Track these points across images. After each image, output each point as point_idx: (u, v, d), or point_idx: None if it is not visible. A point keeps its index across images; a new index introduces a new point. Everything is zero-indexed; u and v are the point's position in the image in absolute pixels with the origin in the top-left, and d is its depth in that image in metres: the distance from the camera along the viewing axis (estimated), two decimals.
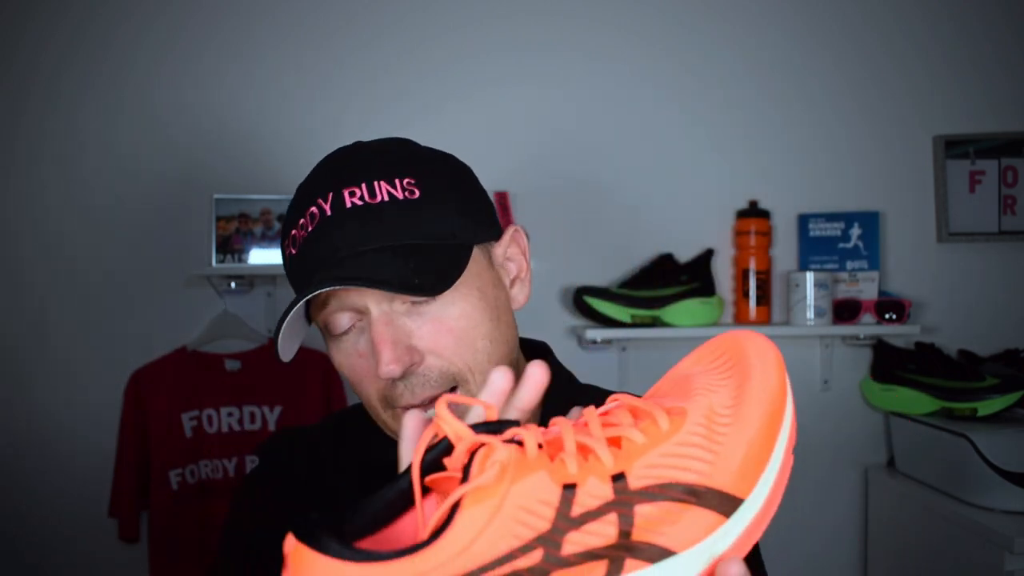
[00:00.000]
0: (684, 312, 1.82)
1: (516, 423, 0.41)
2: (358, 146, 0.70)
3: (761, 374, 0.45)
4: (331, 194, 0.64)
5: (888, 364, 1.87)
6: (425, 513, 0.42)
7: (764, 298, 1.91)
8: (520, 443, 0.40)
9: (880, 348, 1.90)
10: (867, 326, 1.87)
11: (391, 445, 0.69)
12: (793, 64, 1.98)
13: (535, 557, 0.37)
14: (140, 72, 1.85)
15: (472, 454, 0.39)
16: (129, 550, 1.77)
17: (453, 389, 0.65)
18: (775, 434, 0.43)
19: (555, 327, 1.90)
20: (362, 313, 0.64)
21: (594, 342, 1.83)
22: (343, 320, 0.65)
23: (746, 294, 1.91)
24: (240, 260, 1.80)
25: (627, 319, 1.80)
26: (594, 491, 0.39)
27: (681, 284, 1.83)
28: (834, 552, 1.95)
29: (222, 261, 1.79)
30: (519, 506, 0.37)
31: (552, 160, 1.90)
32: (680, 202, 1.95)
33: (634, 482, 0.40)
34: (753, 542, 0.41)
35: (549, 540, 0.37)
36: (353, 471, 0.72)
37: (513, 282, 0.73)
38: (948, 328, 1.95)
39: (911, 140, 1.99)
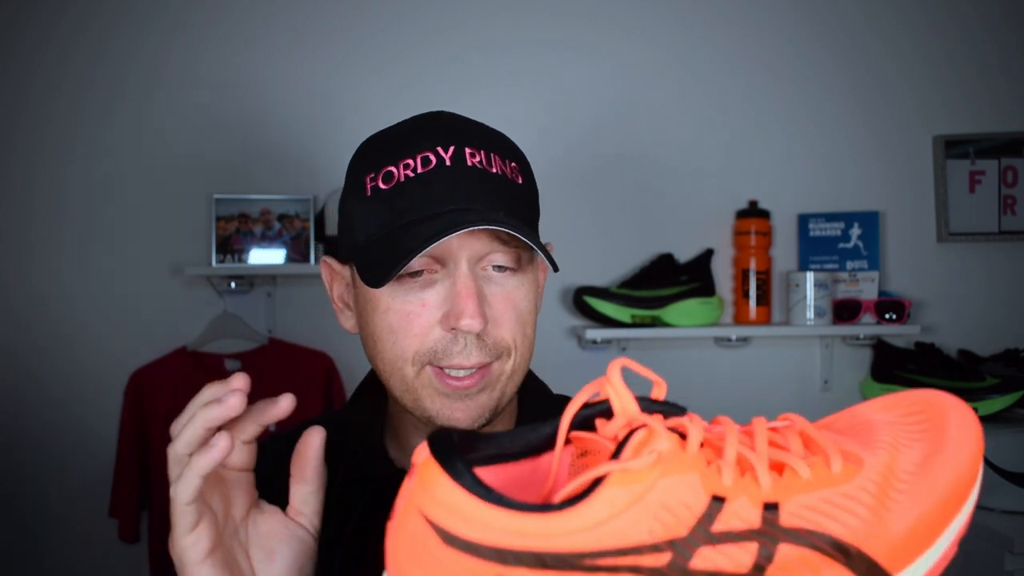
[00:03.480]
0: (684, 312, 1.82)
1: (683, 409, 0.39)
2: (469, 119, 0.72)
3: (957, 448, 0.40)
4: (453, 147, 0.65)
5: (888, 364, 1.87)
6: (562, 473, 0.40)
7: (764, 298, 1.91)
8: (683, 435, 0.38)
9: (880, 348, 1.90)
10: (867, 326, 1.87)
11: (369, 461, 0.72)
12: (793, 64, 1.98)
13: (662, 559, 0.36)
14: (140, 72, 1.85)
15: (631, 432, 0.37)
16: (129, 550, 1.77)
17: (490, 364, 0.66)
18: (950, 518, 0.39)
19: (555, 327, 1.90)
20: (441, 265, 0.65)
21: (594, 342, 1.83)
22: (416, 266, 0.64)
23: (746, 294, 1.91)
24: (240, 260, 1.80)
25: (627, 319, 1.80)
26: (742, 513, 0.37)
27: (681, 284, 1.83)
28: None
29: (222, 261, 1.79)
30: (662, 503, 0.36)
31: (551, 160, 1.90)
32: (680, 202, 1.95)
33: (786, 518, 0.37)
34: None
35: (681, 547, 0.36)
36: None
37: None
38: (948, 328, 1.95)
39: (911, 140, 1.99)
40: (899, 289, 1.96)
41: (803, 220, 1.97)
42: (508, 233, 0.63)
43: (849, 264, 1.94)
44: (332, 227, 1.78)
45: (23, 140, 1.83)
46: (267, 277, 1.85)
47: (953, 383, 1.76)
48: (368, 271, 0.65)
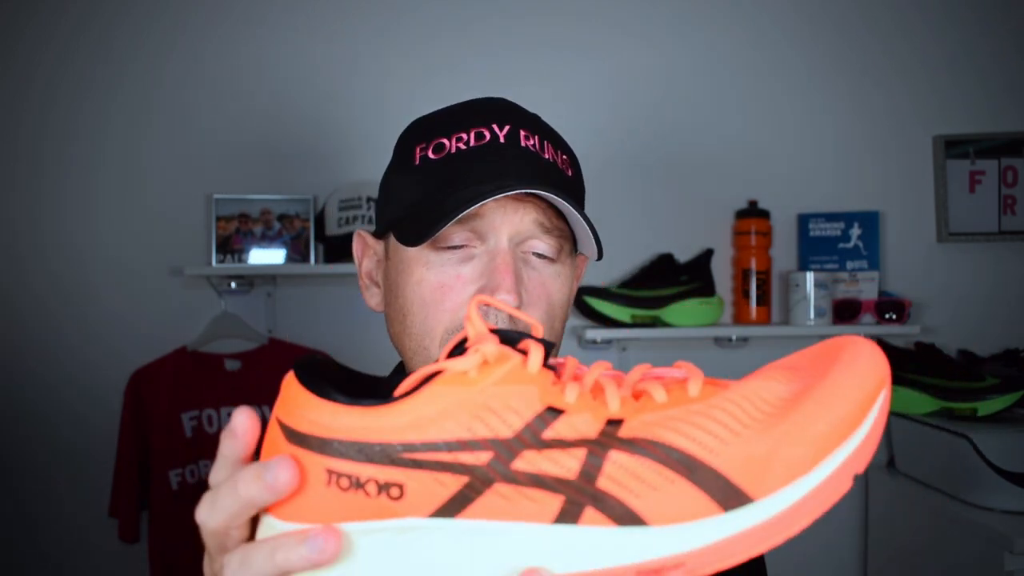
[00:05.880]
0: (684, 312, 1.82)
1: (548, 344, 0.39)
2: (524, 108, 0.72)
3: (842, 379, 0.36)
4: (508, 127, 0.66)
5: (888, 364, 1.86)
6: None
7: (764, 298, 1.91)
8: (525, 356, 0.38)
9: (880, 348, 1.89)
10: (867, 326, 1.87)
11: None
12: (793, 64, 1.98)
13: (481, 458, 0.36)
14: (139, 72, 1.85)
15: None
16: (129, 550, 1.77)
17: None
18: (831, 446, 0.35)
19: None
20: (481, 240, 0.65)
21: (594, 342, 1.83)
22: (457, 239, 0.64)
23: (746, 294, 1.91)
24: (240, 260, 1.80)
25: (627, 319, 1.80)
26: (579, 425, 0.36)
27: (681, 284, 1.83)
28: (834, 552, 1.95)
29: (222, 261, 1.79)
30: (486, 405, 0.36)
31: None
32: (680, 202, 1.95)
33: (624, 431, 0.36)
34: (745, 557, 0.34)
35: (503, 447, 0.36)
36: None
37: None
38: (948, 328, 1.95)
39: (911, 140, 1.99)
40: (899, 289, 1.96)
41: (803, 220, 1.97)
42: (550, 221, 0.64)
43: (849, 264, 1.94)
44: (332, 227, 1.78)
45: (23, 139, 1.83)
46: (267, 277, 1.85)
47: (953, 383, 1.75)
48: (408, 232, 0.64)
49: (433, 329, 0.65)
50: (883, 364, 0.38)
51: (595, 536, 0.35)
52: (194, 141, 1.86)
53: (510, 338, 0.39)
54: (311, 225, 1.82)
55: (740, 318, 1.92)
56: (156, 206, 1.85)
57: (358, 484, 0.36)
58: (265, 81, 1.88)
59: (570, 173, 0.69)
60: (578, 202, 0.70)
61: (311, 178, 1.86)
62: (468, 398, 0.36)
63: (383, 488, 0.36)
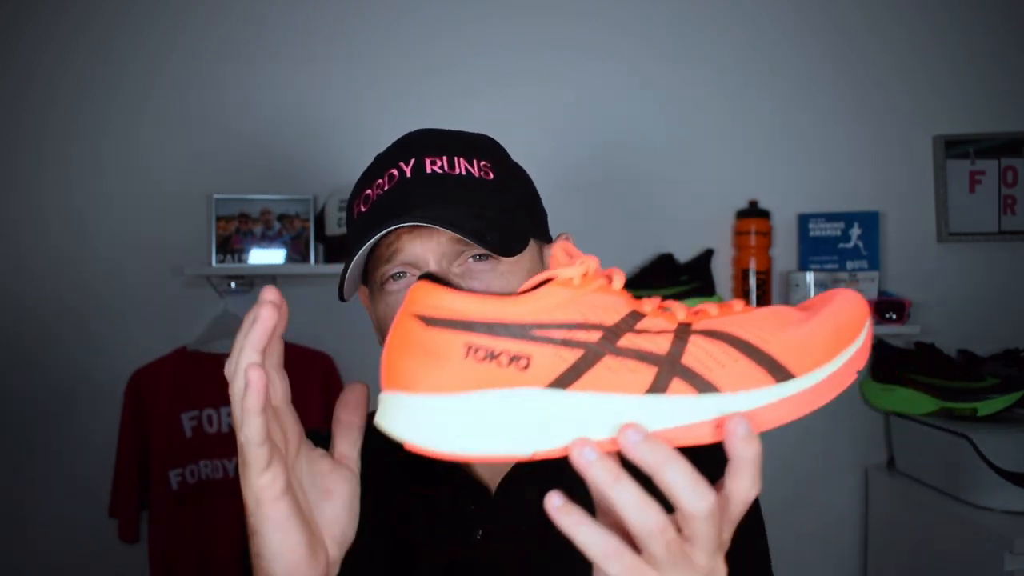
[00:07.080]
0: None
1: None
2: (440, 129, 0.76)
3: (840, 305, 0.50)
4: (413, 160, 0.71)
5: (888, 364, 1.87)
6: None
7: (764, 298, 1.91)
8: (609, 279, 0.49)
9: (880, 348, 1.90)
10: None
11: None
12: (793, 64, 1.98)
13: (593, 336, 0.46)
14: (140, 72, 1.85)
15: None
16: (129, 550, 1.77)
17: None
18: (843, 345, 0.48)
19: None
20: (418, 269, 0.69)
21: None
22: (393, 272, 0.70)
23: (746, 294, 1.91)
24: (240, 260, 1.80)
25: None
26: (659, 324, 0.47)
27: (681, 284, 1.83)
28: (834, 552, 1.95)
29: (222, 261, 1.79)
30: (592, 303, 0.47)
31: (551, 161, 1.91)
32: (680, 202, 1.95)
33: (698, 326, 0.48)
34: (790, 418, 0.46)
35: (609, 331, 0.46)
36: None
37: None
38: (948, 328, 1.95)
39: (911, 140, 1.99)
40: (899, 289, 1.96)
41: (803, 220, 1.97)
42: (472, 231, 0.66)
43: (849, 264, 1.94)
44: (332, 227, 1.78)
45: (24, 139, 1.83)
46: (267, 277, 1.85)
47: (953, 383, 1.75)
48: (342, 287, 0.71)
49: None
50: (865, 303, 0.51)
51: (681, 401, 0.46)
52: (194, 141, 1.86)
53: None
54: (311, 225, 1.82)
55: None
56: (156, 206, 1.85)
57: (492, 355, 0.45)
58: (265, 81, 1.88)
59: (492, 176, 0.72)
60: (506, 199, 0.72)
61: (311, 178, 1.86)
62: (577, 297, 0.47)
63: (514, 359, 0.45)
